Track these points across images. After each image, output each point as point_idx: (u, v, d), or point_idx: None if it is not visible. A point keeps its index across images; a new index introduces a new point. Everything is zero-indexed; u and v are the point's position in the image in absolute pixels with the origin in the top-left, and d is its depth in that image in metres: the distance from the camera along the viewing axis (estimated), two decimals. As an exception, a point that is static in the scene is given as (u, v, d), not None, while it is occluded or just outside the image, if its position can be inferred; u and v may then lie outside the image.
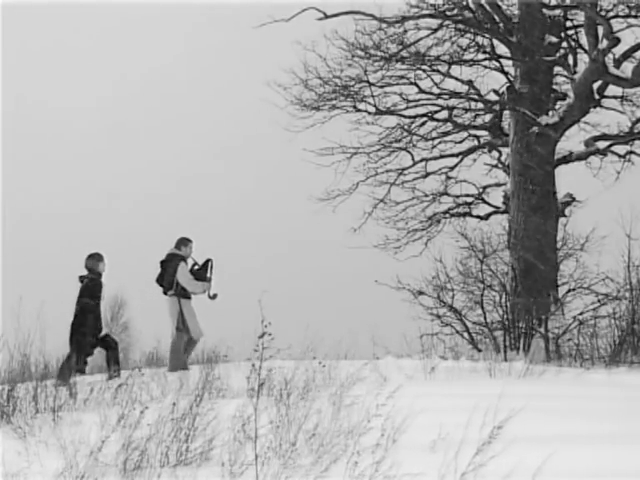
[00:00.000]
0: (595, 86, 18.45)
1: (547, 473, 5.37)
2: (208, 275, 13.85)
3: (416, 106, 20.12)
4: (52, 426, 7.74)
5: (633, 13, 17.94)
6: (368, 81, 19.62)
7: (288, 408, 6.81)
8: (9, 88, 40.59)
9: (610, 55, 17.75)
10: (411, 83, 19.81)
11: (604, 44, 17.30)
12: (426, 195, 20.81)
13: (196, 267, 13.91)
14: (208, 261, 13.96)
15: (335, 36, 19.14)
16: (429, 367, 12.03)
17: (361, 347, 14.12)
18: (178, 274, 13.64)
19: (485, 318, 16.86)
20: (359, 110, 19.95)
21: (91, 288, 13.31)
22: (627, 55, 18.09)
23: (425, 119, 20.33)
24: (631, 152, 20.04)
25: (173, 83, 66.35)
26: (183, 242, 13.97)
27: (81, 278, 13.51)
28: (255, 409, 5.85)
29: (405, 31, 19.15)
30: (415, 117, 20.31)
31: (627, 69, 17.90)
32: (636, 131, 19.62)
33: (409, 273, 17.92)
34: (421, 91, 19.86)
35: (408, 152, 20.63)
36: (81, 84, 65.93)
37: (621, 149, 20.04)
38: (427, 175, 20.77)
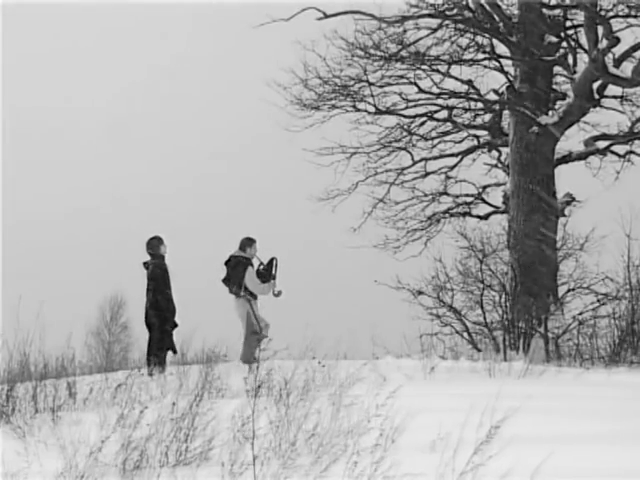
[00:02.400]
0: (595, 86, 18.46)
1: (546, 473, 5.36)
2: (273, 273, 14.02)
3: (416, 106, 20.11)
4: (51, 426, 7.74)
5: (633, 13, 17.94)
6: (368, 81, 19.61)
7: (288, 408, 6.81)
8: (9, 88, 40.57)
9: (610, 55, 17.76)
10: (411, 83, 19.80)
11: (604, 44, 17.30)
12: (426, 195, 20.80)
13: (261, 267, 14.02)
14: (272, 260, 14.12)
15: (335, 36, 19.15)
16: (429, 367, 12.03)
17: (361, 347, 14.13)
18: (246, 280, 13.79)
19: (485, 318, 16.87)
20: (359, 110, 19.94)
21: (158, 273, 13.39)
22: (627, 55, 18.09)
23: (425, 119, 20.32)
24: (631, 152, 20.03)
25: (172, 83, 66.36)
26: (247, 243, 14.12)
27: (145, 264, 13.56)
28: (253, 411, 5.85)
29: (405, 31, 19.15)
30: (415, 117, 20.29)
31: (627, 69, 17.91)
32: (636, 131, 19.62)
33: (409, 273, 17.94)
34: (421, 91, 19.85)
35: (408, 152, 20.61)
36: (81, 84, 65.91)
37: (621, 149, 20.04)
38: (427, 175, 20.75)
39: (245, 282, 13.77)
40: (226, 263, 14.04)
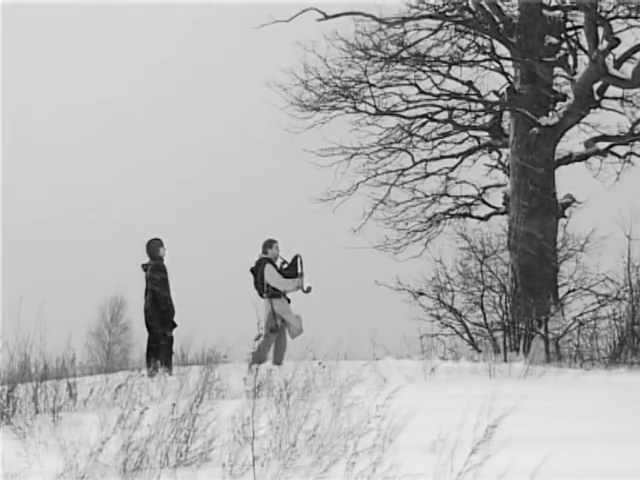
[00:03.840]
0: (595, 87, 18.47)
1: (545, 473, 5.37)
2: (299, 271, 14.03)
3: (416, 107, 20.12)
4: (52, 427, 7.73)
5: (633, 14, 17.95)
6: (368, 82, 19.62)
7: (288, 409, 6.81)
8: (9, 88, 40.56)
9: (610, 56, 17.77)
10: (411, 84, 19.81)
11: (604, 45, 17.31)
12: (426, 196, 20.81)
13: (285, 265, 14.04)
14: (296, 257, 14.16)
15: (335, 37, 19.16)
16: (429, 368, 12.02)
17: (361, 348, 14.13)
18: (266, 276, 13.88)
19: (485, 319, 16.87)
20: (359, 111, 19.95)
21: (156, 275, 13.46)
22: (627, 56, 18.10)
23: (425, 120, 20.32)
24: (631, 153, 20.04)
25: (173, 84, 66.36)
26: (268, 244, 14.21)
27: (144, 266, 13.63)
28: (252, 412, 5.85)
29: (405, 32, 19.15)
30: (415, 118, 20.30)
31: (627, 70, 17.92)
32: (636, 132, 19.62)
33: (409, 274, 17.95)
34: (421, 92, 19.85)
35: (408, 153, 20.62)
36: (81, 84, 65.91)
37: (621, 150, 20.05)
38: (427, 176, 20.76)
39: (266, 279, 13.83)
40: (252, 270, 14.12)
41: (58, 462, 6.10)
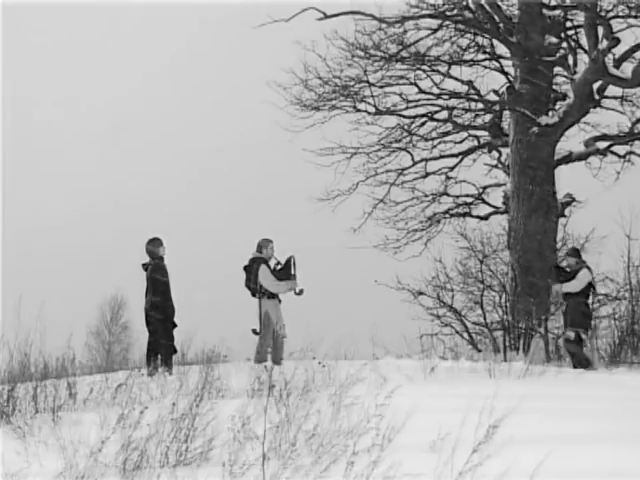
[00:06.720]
0: (595, 86, 18.47)
1: (545, 473, 5.37)
2: (292, 272, 13.96)
3: (416, 106, 20.13)
4: (52, 426, 7.73)
5: (633, 13, 17.95)
6: (368, 81, 19.62)
7: (288, 408, 6.81)
8: (9, 90, 40.56)
9: (610, 55, 17.77)
10: (411, 83, 19.82)
11: (604, 44, 17.31)
12: (426, 195, 20.81)
13: (279, 266, 13.99)
14: (290, 258, 14.09)
15: (335, 36, 19.16)
16: (429, 367, 12.02)
17: (361, 347, 14.13)
18: (260, 277, 13.82)
19: (485, 318, 16.88)
20: (359, 110, 19.95)
21: (157, 274, 13.48)
22: (627, 55, 18.11)
23: (425, 119, 20.33)
24: (631, 152, 20.04)
25: (172, 84, 66.38)
26: (263, 244, 14.14)
27: (144, 265, 13.63)
28: (265, 410, 5.85)
29: (405, 31, 19.17)
30: (415, 117, 20.31)
31: (627, 69, 17.92)
32: (636, 131, 19.63)
33: (409, 273, 17.97)
34: (421, 91, 19.86)
35: (408, 152, 20.62)
36: (81, 86, 65.90)
37: (621, 149, 20.05)
38: (427, 175, 20.76)
39: (260, 280, 13.80)
40: (245, 268, 14.08)
41: (58, 461, 6.10)
